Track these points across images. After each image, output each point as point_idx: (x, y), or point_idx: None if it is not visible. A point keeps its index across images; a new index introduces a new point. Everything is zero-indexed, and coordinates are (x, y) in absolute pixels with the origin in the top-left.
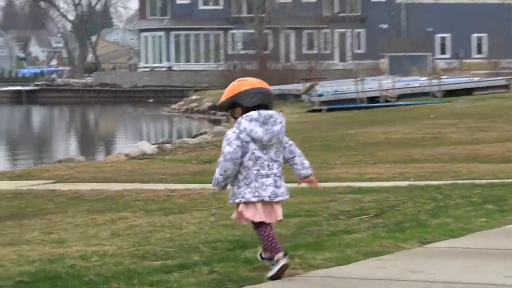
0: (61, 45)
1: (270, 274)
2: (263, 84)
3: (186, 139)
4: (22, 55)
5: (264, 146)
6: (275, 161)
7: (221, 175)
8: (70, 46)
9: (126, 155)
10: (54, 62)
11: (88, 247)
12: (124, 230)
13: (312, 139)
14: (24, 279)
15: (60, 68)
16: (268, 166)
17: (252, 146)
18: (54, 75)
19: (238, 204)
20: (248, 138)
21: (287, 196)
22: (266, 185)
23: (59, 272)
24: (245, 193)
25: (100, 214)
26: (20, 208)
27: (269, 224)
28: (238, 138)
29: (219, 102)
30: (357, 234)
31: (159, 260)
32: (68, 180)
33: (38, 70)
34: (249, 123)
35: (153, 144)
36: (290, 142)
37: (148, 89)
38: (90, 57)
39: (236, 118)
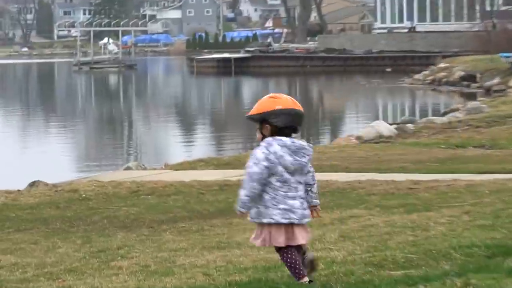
0: (278, 2)
1: None
2: (296, 105)
3: (432, 117)
4: (230, 15)
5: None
6: (301, 183)
7: (247, 196)
8: (290, 3)
9: (358, 137)
10: (269, 24)
11: (312, 251)
12: (356, 232)
13: None
14: None
15: (276, 30)
16: (295, 188)
17: (280, 168)
18: (269, 39)
19: (260, 224)
20: (276, 161)
21: (310, 218)
22: (295, 208)
23: (277, 283)
24: (274, 214)
25: (327, 211)
26: (228, 203)
27: (293, 247)
28: (266, 159)
29: (248, 113)
30: None
31: (400, 269)
32: None
33: (250, 33)
34: (280, 148)
35: (392, 124)
36: (313, 169)
37: (385, 56)
38: (313, 17)
39: (263, 134)
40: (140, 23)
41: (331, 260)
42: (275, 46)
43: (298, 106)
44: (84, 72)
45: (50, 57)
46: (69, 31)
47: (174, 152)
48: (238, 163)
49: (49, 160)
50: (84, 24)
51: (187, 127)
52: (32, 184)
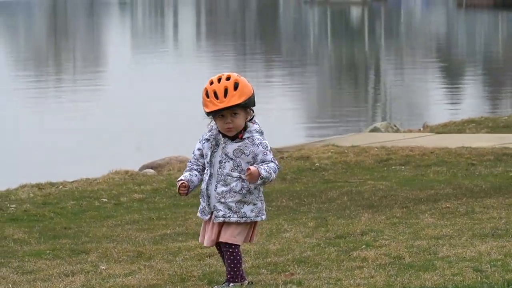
0: None
1: None
2: None
3: None
4: None
5: None
6: None
7: (272, 180)
8: None
9: None
10: None
11: None
12: None
13: None
14: None
15: None
16: None
17: None
18: None
19: (255, 222)
20: None
21: None
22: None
23: None
24: (265, 211)
25: None
26: (507, 178)
27: None
28: None
29: (236, 102)
30: None
31: None
32: None
33: None
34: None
35: None
36: None
37: None
38: None
39: (244, 124)
40: None
41: None
42: None
43: None
44: (318, 3)
45: None
46: None
47: (435, 110)
48: None
49: (268, 118)
50: None
51: (453, 77)
52: None
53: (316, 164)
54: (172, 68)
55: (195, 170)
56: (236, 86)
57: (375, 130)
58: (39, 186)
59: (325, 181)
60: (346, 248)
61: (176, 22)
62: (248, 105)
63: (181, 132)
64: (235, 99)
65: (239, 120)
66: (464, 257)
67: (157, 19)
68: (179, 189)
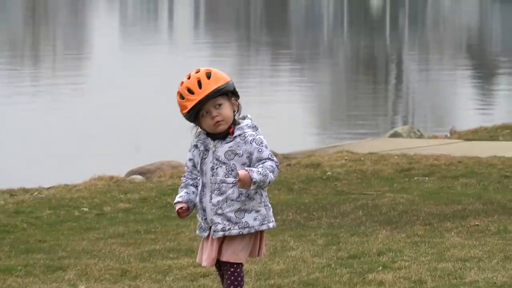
0: None
1: None
2: None
3: None
4: None
5: None
6: None
7: (269, 182)
8: None
9: None
10: None
11: None
12: None
13: None
14: None
15: None
16: None
17: None
18: None
19: (261, 233)
20: None
21: None
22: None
23: None
24: (272, 218)
25: None
26: None
27: None
28: None
29: (218, 86)
30: None
31: None
32: None
33: None
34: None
35: None
36: None
37: None
38: None
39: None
40: None
41: None
42: None
43: None
44: None
45: None
46: None
47: (464, 114)
48: None
49: (274, 119)
50: None
51: (485, 77)
52: None
53: (328, 173)
54: (166, 62)
55: (191, 185)
56: (208, 76)
57: (396, 135)
58: (11, 192)
59: (337, 192)
60: (361, 270)
61: (171, 8)
62: (228, 91)
63: (174, 134)
64: (211, 85)
65: (226, 111)
66: (495, 283)
67: (150, 5)
68: (179, 214)
